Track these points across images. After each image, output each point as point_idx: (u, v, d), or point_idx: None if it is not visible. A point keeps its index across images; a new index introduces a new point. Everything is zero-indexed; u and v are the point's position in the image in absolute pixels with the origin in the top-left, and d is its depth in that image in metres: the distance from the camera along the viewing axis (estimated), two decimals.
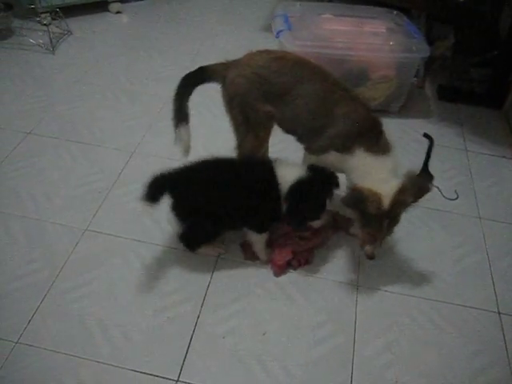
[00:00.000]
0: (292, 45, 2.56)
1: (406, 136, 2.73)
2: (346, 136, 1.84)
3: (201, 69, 2.00)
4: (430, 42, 3.01)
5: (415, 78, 3.09)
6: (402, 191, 1.76)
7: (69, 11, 3.40)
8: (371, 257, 1.86)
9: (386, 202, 1.74)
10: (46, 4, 3.28)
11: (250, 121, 1.96)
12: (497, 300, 1.96)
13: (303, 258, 1.97)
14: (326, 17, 2.95)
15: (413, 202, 1.79)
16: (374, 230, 1.80)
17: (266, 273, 1.95)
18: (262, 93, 1.90)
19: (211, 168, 1.88)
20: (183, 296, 1.84)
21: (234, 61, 1.98)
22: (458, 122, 2.90)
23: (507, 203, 2.39)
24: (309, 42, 2.59)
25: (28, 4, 3.27)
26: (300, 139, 2.00)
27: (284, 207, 1.84)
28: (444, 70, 3.25)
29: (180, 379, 1.61)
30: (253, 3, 4.03)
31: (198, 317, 1.78)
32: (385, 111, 2.86)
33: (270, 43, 3.24)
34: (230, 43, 3.42)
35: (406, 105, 2.91)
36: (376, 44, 2.70)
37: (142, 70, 3.08)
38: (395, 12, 3.00)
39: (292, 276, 1.95)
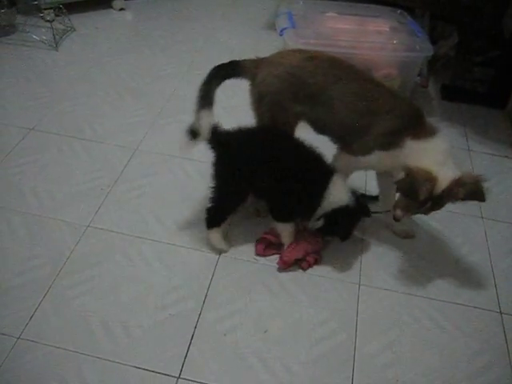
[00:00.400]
0: (295, 43, 2.56)
1: None
2: (391, 132, 1.80)
3: (232, 63, 1.97)
4: (434, 41, 3.01)
5: (418, 77, 3.09)
6: (458, 183, 1.71)
7: (72, 8, 3.41)
8: (398, 220, 1.84)
9: (440, 188, 1.70)
10: (50, 0, 3.28)
11: (276, 121, 1.93)
12: (498, 300, 1.96)
13: (313, 259, 1.98)
14: (329, 15, 2.95)
15: (462, 199, 1.74)
16: (413, 208, 1.77)
17: (267, 271, 1.95)
18: (294, 93, 1.87)
19: (276, 138, 1.92)
20: (185, 293, 1.84)
21: (265, 58, 1.95)
22: (460, 122, 2.90)
23: (509, 203, 2.39)
24: (312, 40, 2.59)
25: (31, 0, 3.27)
26: (337, 140, 1.96)
27: (318, 219, 1.90)
28: (447, 69, 3.24)
29: (181, 376, 1.60)
30: (256, 1, 4.03)
31: (200, 314, 1.78)
32: None
33: (273, 41, 3.25)
34: (234, 41, 3.42)
35: None
36: (379, 42, 2.70)
37: (145, 67, 3.08)
38: (399, 11, 3.00)
39: (294, 274, 1.95)
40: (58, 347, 1.64)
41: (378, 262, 2.04)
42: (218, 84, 1.93)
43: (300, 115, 1.94)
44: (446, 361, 1.74)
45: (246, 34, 3.53)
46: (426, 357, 1.75)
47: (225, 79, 1.95)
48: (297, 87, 1.87)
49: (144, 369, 1.61)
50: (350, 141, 1.89)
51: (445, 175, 1.71)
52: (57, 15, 3.31)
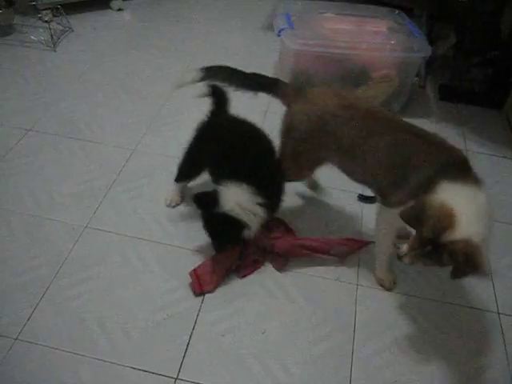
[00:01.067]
0: (293, 43, 2.56)
1: None
2: (426, 182, 1.59)
3: (276, 81, 1.95)
4: (432, 41, 3.01)
5: (416, 78, 3.09)
6: (476, 245, 1.44)
7: (70, 8, 3.40)
8: (399, 257, 1.58)
9: (452, 236, 1.44)
10: (48, 1, 3.27)
11: (299, 157, 1.91)
12: (496, 300, 1.96)
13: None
14: (327, 16, 2.95)
15: (458, 263, 1.44)
16: (414, 246, 1.53)
17: (265, 272, 1.95)
18: (321, 140, 1.81)
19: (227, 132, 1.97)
20: (183, 294, 1.84)
21: (305, 91, 1.87)
22: (458, 122, 2.90)
23: (508, 203, 2.39)
24: (310, 41, 2.58)
25: (29, 1, 3.26)
26: (373, 189, 1.87)
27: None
28: (445, 69, 3.24)
29: (179, 377, 1.61)
30: (255, 2, 4.02)
31: (198, 315, 1.78)
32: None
33: (271, 42, 3.25)
34: (232, 42, 3.42)
35: (407, 104, 2.90)
36: (377, 43, 2.70)
37: (143, 67, 3.07)
38: (397, 11, 3.00)
39: (292, 275, 1.95)
40: (56, 348, 1.64)
41: (375, 262, 2.03)
42: (249, 89, 1.94)
43: (325, 160, 1.90)
44: (444, 361, 1.74)
45: (243, 35, 3.53)
46: (423, 357, 1.75)
47: (259, 90, 1.95)
48: (326, 136, 1.79)
49: (142, 370, 1.61)
50: (386, 192, 1.76)
51: (467, 226, 1.45)
52: (54, 15, 3.31)
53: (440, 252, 1.47)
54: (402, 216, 1.54)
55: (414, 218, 1.51)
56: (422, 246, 1.50)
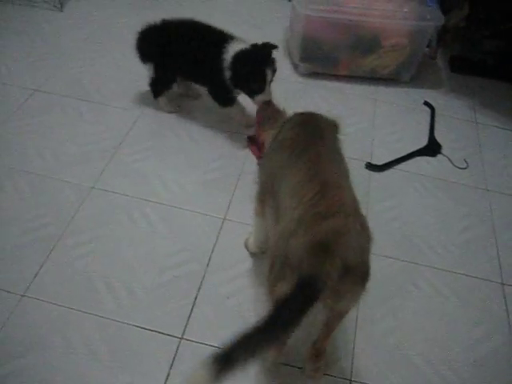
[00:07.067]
0: (305, 8, 2.52)
1: (415, 106, 2.70)
2: None
3: None
4: (444, 11, 2.95)
5: (427, 49, 3.05)
6: None
7: None
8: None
9: None
10: None
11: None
12: (501, 271, 1.96)
13: None
14: None
15: None
16: None
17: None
18: None
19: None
20: (188, 256, 1.85)
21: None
22: (469, 94, 2.87)
23: None
24: (322, 6, 2.54)
25: None
26: None
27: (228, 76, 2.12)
28: (457, 41, 3.19)
29: (184, 337, 1.62)
30: None
31: (203, 277, 1.79)
32: (395, 80, 2.83)
33: (282, 7, 3.21)
34: (240, 6, 3.35)
35: (417, 75, 2.87)
36: (390, 10, 2.65)
37: None
38: None
39: None
40: (61, 305, 1.65)
41: (382, 229, 2.03)
42: None
43: None
44: (446, 329, 1.75)
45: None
46: (427, 324, 1.76)
47: None
48: None
49: (147, 329, 1.63)
50: None
51: None
52: None
53: None
54: None
55: None
56: None
